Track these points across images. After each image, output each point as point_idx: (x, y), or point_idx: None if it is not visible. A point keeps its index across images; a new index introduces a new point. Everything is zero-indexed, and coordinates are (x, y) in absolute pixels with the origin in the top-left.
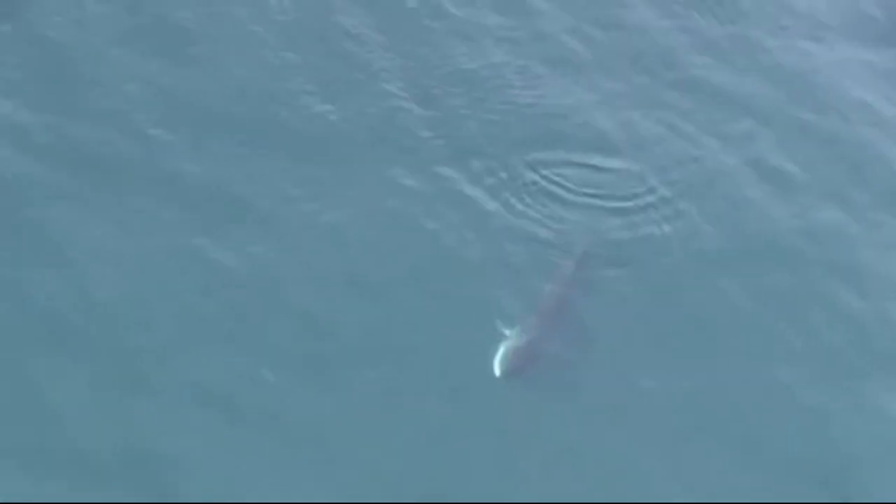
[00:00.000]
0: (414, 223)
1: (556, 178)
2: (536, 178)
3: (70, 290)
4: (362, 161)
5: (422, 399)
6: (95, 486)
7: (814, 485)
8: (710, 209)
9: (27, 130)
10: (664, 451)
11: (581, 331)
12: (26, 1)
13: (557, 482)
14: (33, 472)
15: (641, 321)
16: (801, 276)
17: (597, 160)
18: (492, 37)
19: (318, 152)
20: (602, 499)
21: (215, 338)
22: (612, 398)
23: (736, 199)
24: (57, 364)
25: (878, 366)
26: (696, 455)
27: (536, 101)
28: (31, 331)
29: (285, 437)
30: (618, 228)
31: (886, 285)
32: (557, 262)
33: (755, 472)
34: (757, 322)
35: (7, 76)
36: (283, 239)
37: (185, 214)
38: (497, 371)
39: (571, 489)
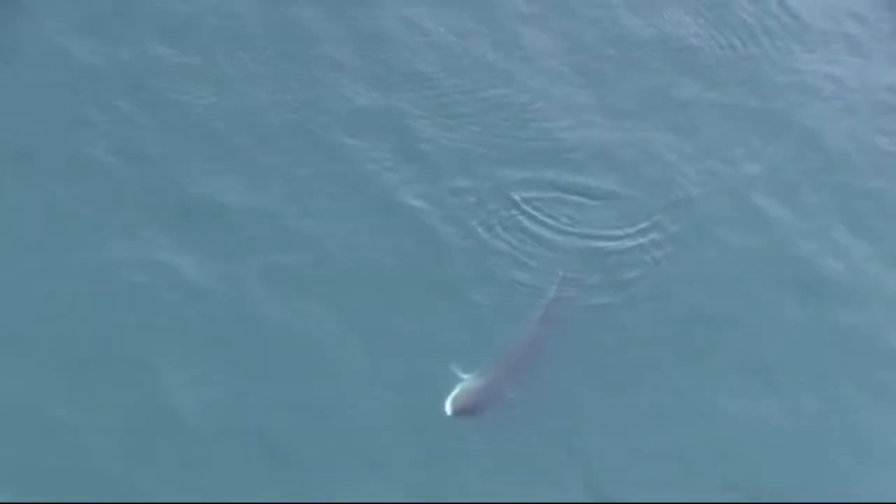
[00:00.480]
0: (387, 254)
1: (537, 210)
2: (516, 210)
3: None
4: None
5: (375, 435)
6: None
7: None
8: (694, 254)
9: None
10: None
11: (542, 376)
12: None
13: None
14: None
15: (605, 368)
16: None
17: (582, 191)
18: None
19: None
20: None
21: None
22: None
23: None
24: None
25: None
26: None
27: (522, 126)
28: None
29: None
30: (595, 268)
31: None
32: (530, 305)
33: None
34: (727, 382)
35: None
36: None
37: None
38: (447, 409)
39: None
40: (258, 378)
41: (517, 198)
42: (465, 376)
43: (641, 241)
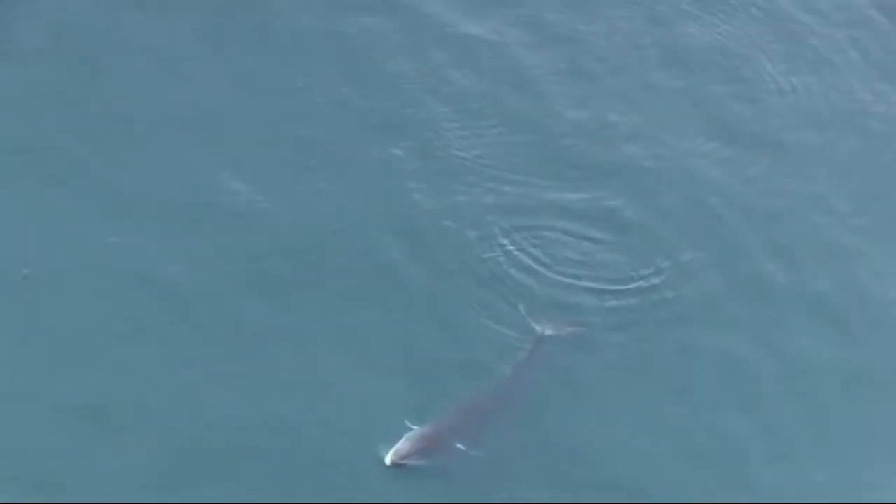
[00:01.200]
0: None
1: (529, 248)
2: (507, 248)
3: None
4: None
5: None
6: None
7: None
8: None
9: None
10: None
11: (496, 432)
12: None
13: None
14: None
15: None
16: None
17: (580, 228)
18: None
19: None
20: None
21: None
22: None
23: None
24: None
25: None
26: None
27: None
28: None
29: None
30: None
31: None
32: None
33: None
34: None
35: None
36: None
37: None
38: (386, 459)
39: None
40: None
41: (523, 225)
42: (413, 427)
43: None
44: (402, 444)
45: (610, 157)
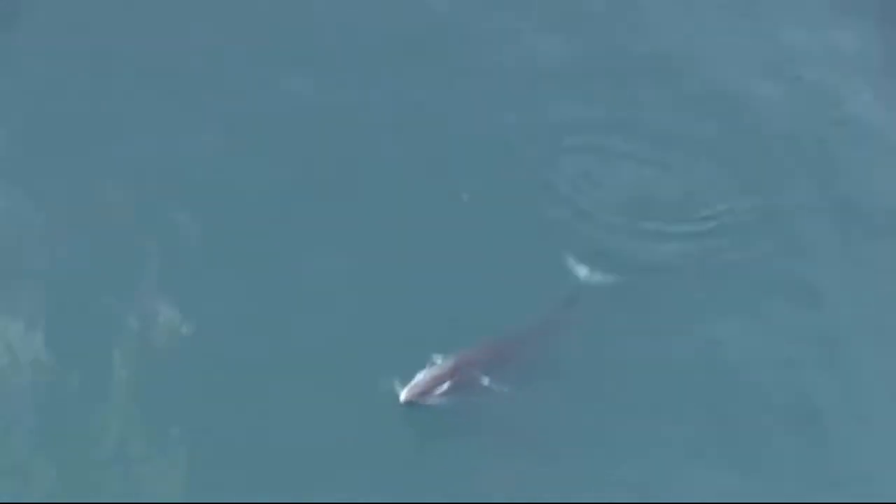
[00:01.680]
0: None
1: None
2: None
3: None
4: None
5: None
6: None
7: None
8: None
9: None
10: None
11: (518, 375)
12: None
13: None
14: None
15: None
16: None
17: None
18: None
19: None
20: None
21: None
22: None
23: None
24: None
25: None
26: None
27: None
28: None
29: None
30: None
31: None
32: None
33: None
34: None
35: None
36: None
37: None
38: (400, 396)
39: None
40: None
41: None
42: (438, 361)
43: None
44: (418, 381)
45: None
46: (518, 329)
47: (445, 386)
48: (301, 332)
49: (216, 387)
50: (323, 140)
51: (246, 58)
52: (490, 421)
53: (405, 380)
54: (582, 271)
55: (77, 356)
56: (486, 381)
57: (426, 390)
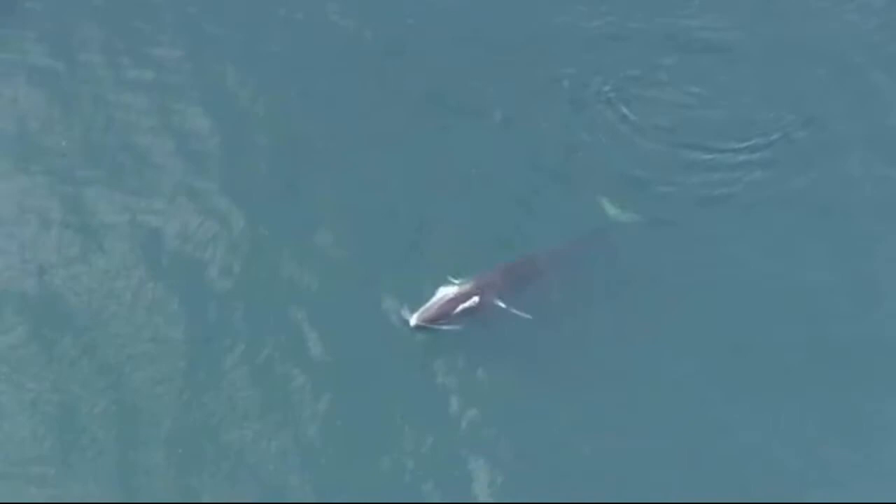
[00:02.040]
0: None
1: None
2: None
3: None
4: None
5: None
6: None
7: None
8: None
9: None
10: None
11: (534, 304)
12: None
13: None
14: None
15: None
16: None
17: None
18: None
19: None
20: None
21: None
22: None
23: None
24: None
25: None
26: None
27: None
28: None
29: None
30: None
31: None
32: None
33: None
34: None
35: None
36: None
37: None
38: (411, 320)
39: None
40: None
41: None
42: (455, 282)
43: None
44: (430, 305)
45: None
46: (540, 255)
47: (460, 310)
48: (316, 250)
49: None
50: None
51: None
52: (505, 349)
53: (418, 303)
54: (613, 206)
55: None
56: (503, 306)
57: (439, 315)
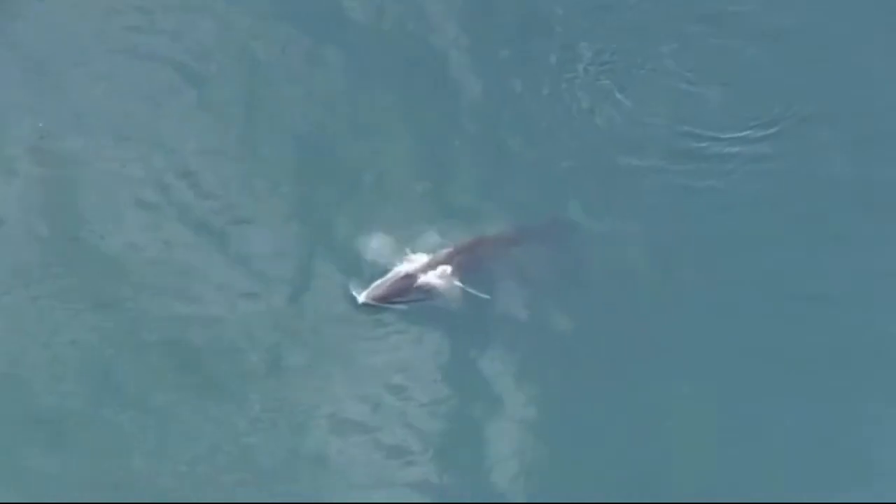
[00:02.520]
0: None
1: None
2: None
3: None
4: None
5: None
6: None
7: None
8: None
9: None
10: None
11: (493, 284)
12: None
13: None
14: None
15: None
16: None
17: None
18: None
19: None
20: None
21: None
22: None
23: None
24: None
25: None
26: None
27: None
28: None
29: None
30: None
31: None
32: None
33: None
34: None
35: None
36: None
37: None
38: (359, 297)
39: None
40: None
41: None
42: (412, 256)
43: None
44: (381, 283)
45: None
46: (503, 234)
47: (413, 288)
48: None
49: None
50: None
51: None
52: (458, 328)
53: (369, 279)
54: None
55: None
56: (461, 286)
57: (390, 293)
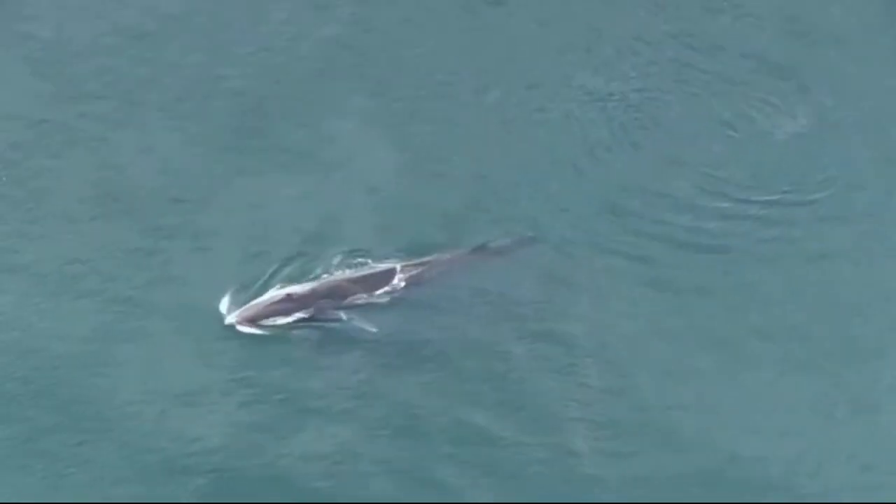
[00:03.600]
0: None
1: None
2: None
3: None
4: None
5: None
6: None
7: None
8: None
9: None
10: None
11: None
12: None
13: None
14: None
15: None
16: None
17: None
18: None
19: None
20: None
21: None
22: None
23: None
24: None
25: None
26: None
27: None
28: None
29: None
30: None
31: None
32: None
33: None
34: None
35: None
36: None
37: None
38: (226, 318)
39: None
40: None
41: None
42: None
43: None
44: (253, 305)
45: None
46: (461, 252)
47: (289, 314)
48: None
49: None
50: None
51: None
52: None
53: (241, 300)
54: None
55: None
56: (343, 317)
57: (261, 315)
